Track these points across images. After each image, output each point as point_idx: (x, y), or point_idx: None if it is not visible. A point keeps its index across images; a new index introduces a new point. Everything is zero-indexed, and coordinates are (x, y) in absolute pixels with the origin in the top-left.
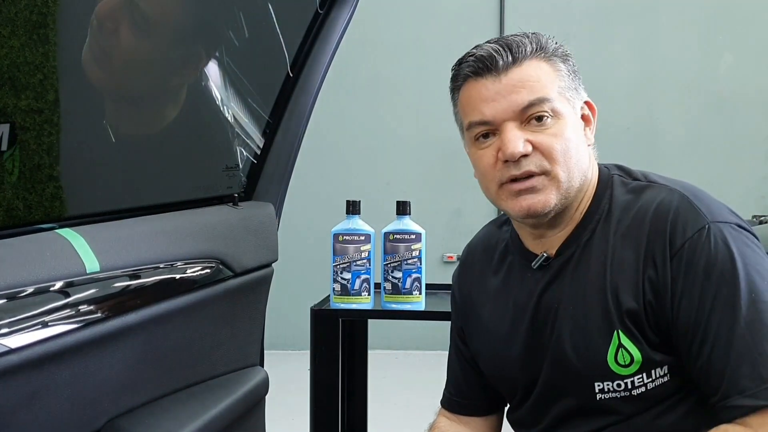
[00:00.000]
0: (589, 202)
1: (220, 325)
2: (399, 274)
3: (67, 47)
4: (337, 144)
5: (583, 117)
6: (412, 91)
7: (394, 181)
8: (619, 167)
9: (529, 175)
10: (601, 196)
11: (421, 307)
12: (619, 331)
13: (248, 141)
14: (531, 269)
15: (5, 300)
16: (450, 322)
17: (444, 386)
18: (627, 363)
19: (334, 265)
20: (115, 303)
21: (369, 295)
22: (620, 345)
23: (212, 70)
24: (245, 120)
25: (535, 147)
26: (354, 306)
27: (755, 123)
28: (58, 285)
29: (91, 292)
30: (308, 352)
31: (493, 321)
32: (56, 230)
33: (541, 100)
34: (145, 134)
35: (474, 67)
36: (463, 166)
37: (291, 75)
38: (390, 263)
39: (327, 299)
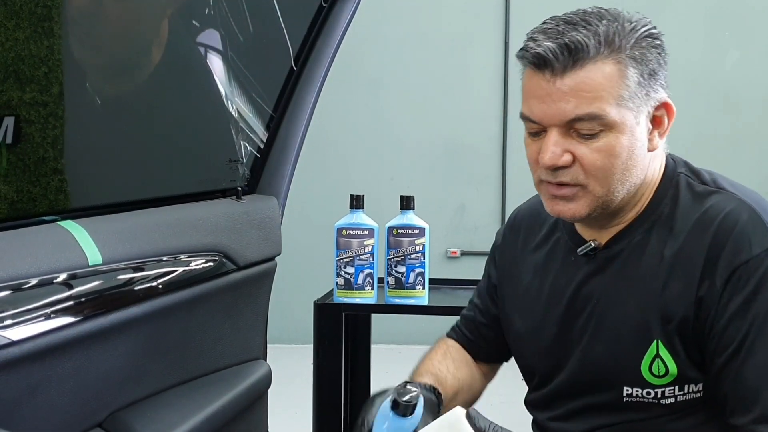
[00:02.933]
0: (649, 199)
1: (223, 318)
2: (402, 269)
3: (72, 40)
4: (341, 138)
5: (655, 119)
6: (417, 86)
7: (398, 175)
8: (687, 165)
9: (563, 184)
10: (662, 195)
11: (425, 301)
12: (659, 342)
13: (252, 135)
14: (576, 254)
15: (8, 291)
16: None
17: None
18: (662, 374)
19: (337, 260)
20: (117, 296)
21: (372, 289)
22: (657, 355)
23: (216, 63)
24: (249, 114)
25: (576, 159)
26: (357, 300)
27: (762, 120)
28: (61, 277)
29: (94, 284)
30: (311, 346)
31: (528, 298)
32: (59, 222)
33: (590, 116)
34: (149, 127)
35: (533, 61)
36: (467, 162)
37: (295, 69)
38: (393, 258)
39: (330, 293)
